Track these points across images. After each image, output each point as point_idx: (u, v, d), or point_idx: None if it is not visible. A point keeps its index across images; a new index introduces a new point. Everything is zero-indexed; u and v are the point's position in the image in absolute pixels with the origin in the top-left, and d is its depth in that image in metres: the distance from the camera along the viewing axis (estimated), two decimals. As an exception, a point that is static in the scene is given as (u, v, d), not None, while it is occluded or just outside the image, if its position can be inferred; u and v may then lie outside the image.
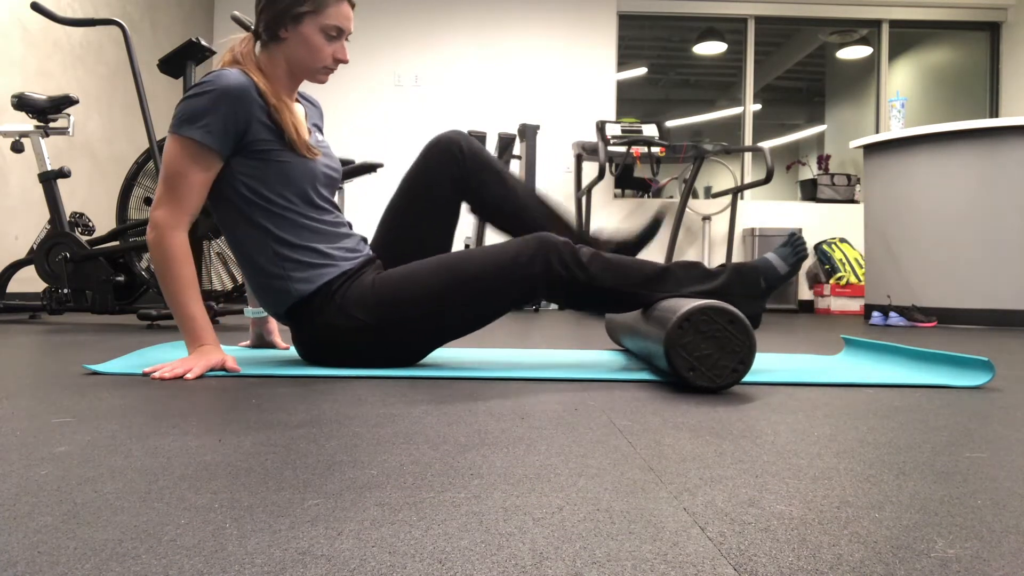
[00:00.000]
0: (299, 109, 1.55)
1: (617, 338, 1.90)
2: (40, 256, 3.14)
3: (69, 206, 4.29)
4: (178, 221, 1.39)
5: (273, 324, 1.90)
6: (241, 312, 3.15)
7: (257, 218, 1.44)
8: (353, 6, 1.49)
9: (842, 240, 5.78)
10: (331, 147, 1.58)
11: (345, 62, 1.50)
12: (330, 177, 1.54)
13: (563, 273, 1.39)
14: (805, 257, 1.53)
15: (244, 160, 1.43)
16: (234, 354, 1.69)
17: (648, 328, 1.38)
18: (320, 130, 1.66)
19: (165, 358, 1.59)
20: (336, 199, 1.61)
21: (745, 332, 1.21)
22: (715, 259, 6.01)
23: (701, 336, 1.21)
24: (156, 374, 1.31)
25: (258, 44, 1.49)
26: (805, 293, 5.97)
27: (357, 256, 1.51)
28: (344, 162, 2.99)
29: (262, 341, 1.91)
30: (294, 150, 1.45)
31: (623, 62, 6.28)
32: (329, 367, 1.48)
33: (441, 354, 1.78)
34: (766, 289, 1.49)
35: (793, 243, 1.53)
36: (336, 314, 1.43)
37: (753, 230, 5.82)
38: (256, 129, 1.41)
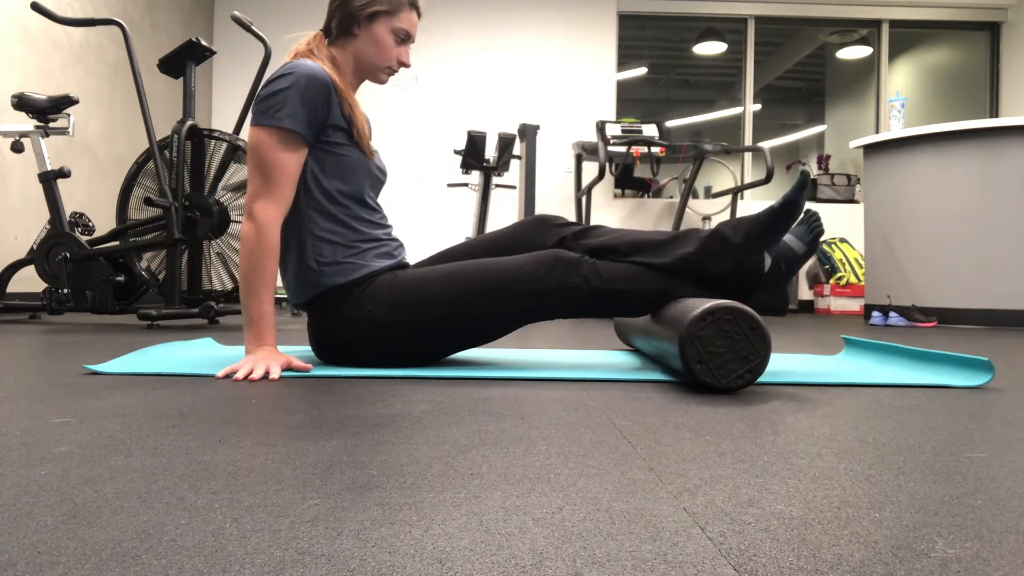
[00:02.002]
0: None
1: (627, 338, 1.90)
2: (40, 256, 3.14)
3: (69, 206, 4.29)
4: (276, 213, 1.41)
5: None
6: (240, 312, 3.14)
7: (306, 208, 1.46)
8: (420, 16, 1.54)
9: (842, 240, 5.78)
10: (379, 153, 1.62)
11: (407, 66, 1.54)
12: (379, 180, 1.58)
13: (581, 284, 1.40)
14: (822, 233, 1.46)
15: (313, 150, 1.46)
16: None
17: (666, 318, 1.37)
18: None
19: (167, 357, 1.59)
20: None
21: (763, 344, 1.21)
22: (715, 259, 6.00)
23: (720, 334, 1.21)
24: (239, 374, 1.30)
25: (326, 41, 1.54)
26: (805, 293, 5.97)
27: (391, 260, 1.53)
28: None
29: None
30: (359, 146, 1.49)
31: (623, 62, 6.28)
32: (337, 363, 1.49)
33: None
34: (786, 274, 1.44)
35: (808, 220, 1.47)
36: (353, 307, 1.44)
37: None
38: (333, 119, 1.45)
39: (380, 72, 1.54)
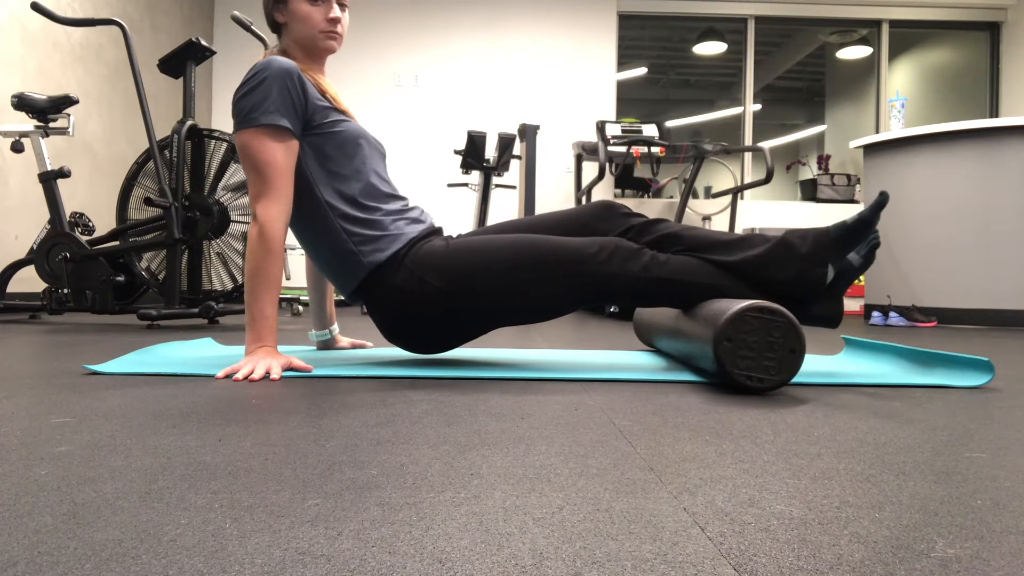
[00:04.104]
0: None
1: (649, 339, 1.88)
2: (40, 256, 3.14)
3: (69, 206, 4.29)
4: (277, 212, 1.41)
5: (341, 342, 1.90)
6: (242, 312, 3.14)
7: (321, 195, 1.47)
8: None
9: (842, 240, 5.78)
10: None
11: (337, 20, 1.51)
12: (378, 150, 1.58)
13: (641, 273, 1.40)
14: (878, 246, 1.45)
15: (308, 139, 1.47)
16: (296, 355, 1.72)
17: (700, 315, 1.36)
18: None
19: (167, 357, 1.59)
20: None
21: (791, 366, 1.20)
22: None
23: (762, 333, 1.20)
24: (239, 375, 1.30)
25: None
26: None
27: (421, 224, 1.53)
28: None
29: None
30: (335, 107, 1.50)
31: (623, 62, 6.28)
32: (402, 340, 1.51)
33: (441, 354, 1.78)
34: (843, 284, 1.44)
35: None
36: (408, 278, 1.44)
37: (753, 230, 5.82)
38: (314, 101, 1.46)
39: (319, 41, 1.52)
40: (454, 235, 1.58)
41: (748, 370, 1.21)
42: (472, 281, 1.42)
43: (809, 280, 1.40)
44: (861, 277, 5.46)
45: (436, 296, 1.43)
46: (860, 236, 1.39)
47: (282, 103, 1.41)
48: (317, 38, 1.51)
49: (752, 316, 1.20)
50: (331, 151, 1.48)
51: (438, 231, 1.58)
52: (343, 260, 1.48)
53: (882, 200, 1.36)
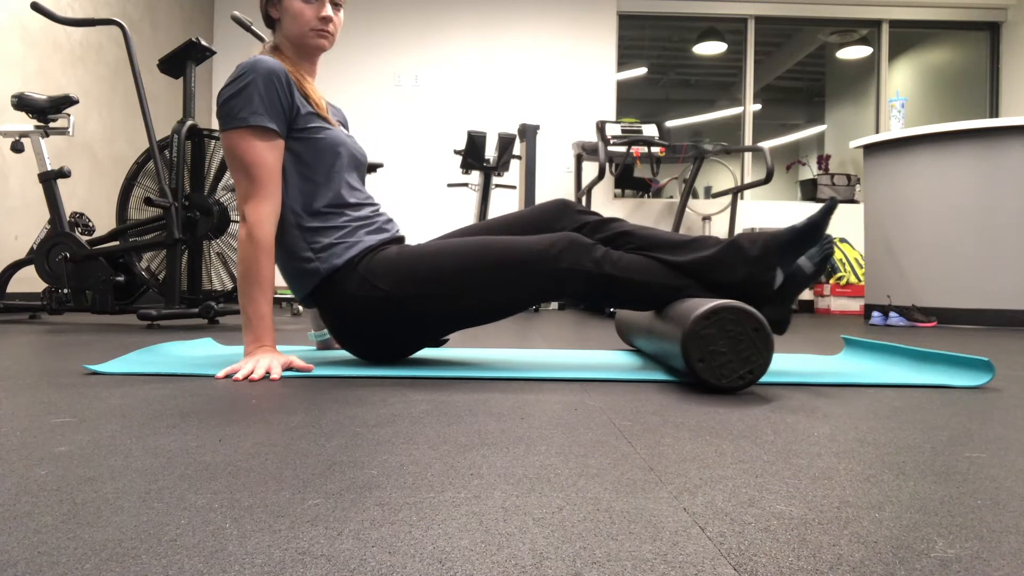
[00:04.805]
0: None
1: (628, 337, 1.90)
2: (40, 256, 3.14)
3: (69, 206, 4.29)
4: (267, 211, 1.41)
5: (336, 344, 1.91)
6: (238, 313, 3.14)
7: (289, 202, 1.47)
8: None
9: (842, 240, 5.78)
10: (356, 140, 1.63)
11: (329, 20, 1.51)
12: (357, 159, 1.58)
13: (593, 269, 1.40)
14: (832, 255, 1.46)
15: (287, 142, 1.47)
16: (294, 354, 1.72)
17: (670, 316, 1.37)
18: (345, 127, 1.70)
19: (167, 357, 1.59)
20: None
21: (766, 345, 1.21)
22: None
23: (723, 333, 1.21)
24: (239, 375, 1.30)
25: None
26: (805, 293, 5.97)
27: (384, 234, 1.53)
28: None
29: None
30: (317, 113, 1.50)
31: (623, 62, 6.28)
32: (354, 347, 1.51)
33: (441, 354, 1.78)
34: (792, 290, 1.44)
35: (822, 242, 1.46)
36: (359, 285, 1.44)
37: (753, 230, 5.82)
38: (299, 105, 1.47)
39: (309, 39, 1.52)
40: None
41: (719, 367, 1.21)
42: (420, 286, 1.43)
43: (757, 283, 1.41)
44: (861, 277, 5.46)
45: (385, 302, 1.43)
46: (810, 241, 1.39)
47: (269, 104, 1.41)
48: (308, 36, 1.51)
49: (721, 316, 1.21)
50: (307, 157, 1.48)
51: (399, 240, 1.57)
52: (298, 264, 1.48)
53: (831, 205, 1.37)
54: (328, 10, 1.50)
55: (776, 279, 1.42)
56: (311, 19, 1.50)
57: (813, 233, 1.39)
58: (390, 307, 1.44)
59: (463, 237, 1.51)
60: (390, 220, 1.59)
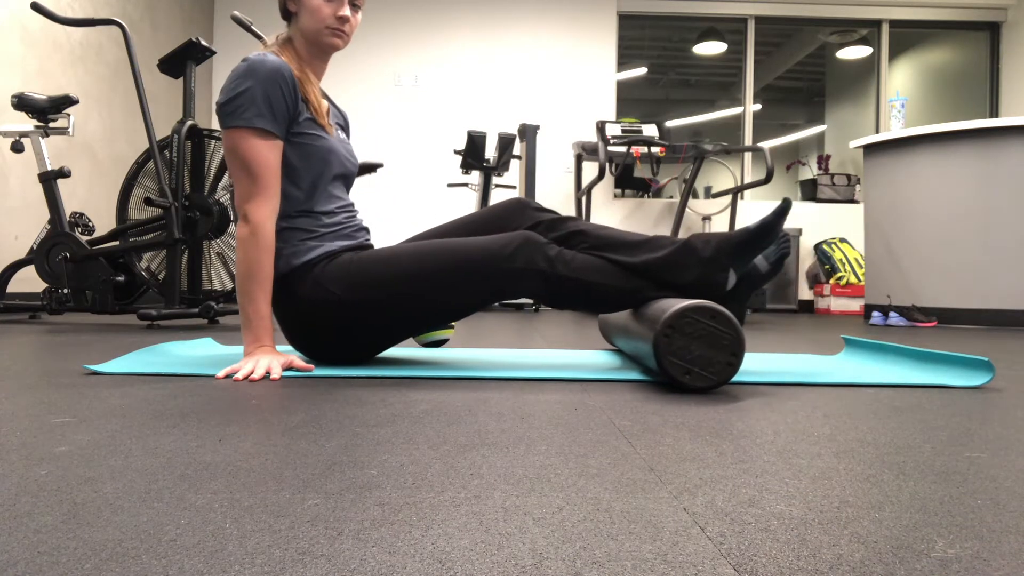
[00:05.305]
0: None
1: (610, 339, 1.90)
2: (40, 256, 3.14)
3: (69, 206, 4.29)
4: (269, 211, 1.41)
5: None
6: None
7: None
8: None
9: (842, 240, 5.78)
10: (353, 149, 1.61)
11: (346, 19, 1.50)
12: (345, 167, 1.56)
13: (546, 268, 1.39)
14: (788, 255, 1.47)
15: (284, 143, 1.47)
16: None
17: (640, 328, 1.37)
18: (345, 133, 1.69)
19: (167, 357, 1.59)
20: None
21: (729, 325, 1.21)
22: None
23: (689, 338, 1.21)
24: (239, 375, 1.30)
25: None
26: (805, 293, 5.97)
27: (348, 240, 1.52)
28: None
29: None
30: (315, 119, 1.49)
31: (623, 62, 6.28)
32: (305, 350, 1.50)
33: (441, 354, 1.78)
34: (746, 291, 1.45)
35: (779, 242, 1.48)
36: (312, 288, 1.44)
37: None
38: (300, 108, 1.46)
39: (324, 37, 1.50)
40: None
41: (689, 364, 1.21)
42: (371, 291, 1.42)
43: (710, 284, 1.40)
44: (861, 277, 5.46)
45: (337, 306, 1.43)
46: (763, 242, 1.39)
47: (273, 104, 1.41)
48: (323, 33, 1.50)
49: (692, 316, 1.21)
50: (296, 161, 1.47)
51: (364, 247, 1.55)
52: None
53: (784, 206, 1.37)
54: (347, 10, 1.49)
55: (729, 280, 1.42)
56: (328, 16, 1.49)
57: (766, 234, 1.39)
58: (341, 311, 1.43)
59: (421, 241, 1.50)
60: (361, 229, 1.58)
